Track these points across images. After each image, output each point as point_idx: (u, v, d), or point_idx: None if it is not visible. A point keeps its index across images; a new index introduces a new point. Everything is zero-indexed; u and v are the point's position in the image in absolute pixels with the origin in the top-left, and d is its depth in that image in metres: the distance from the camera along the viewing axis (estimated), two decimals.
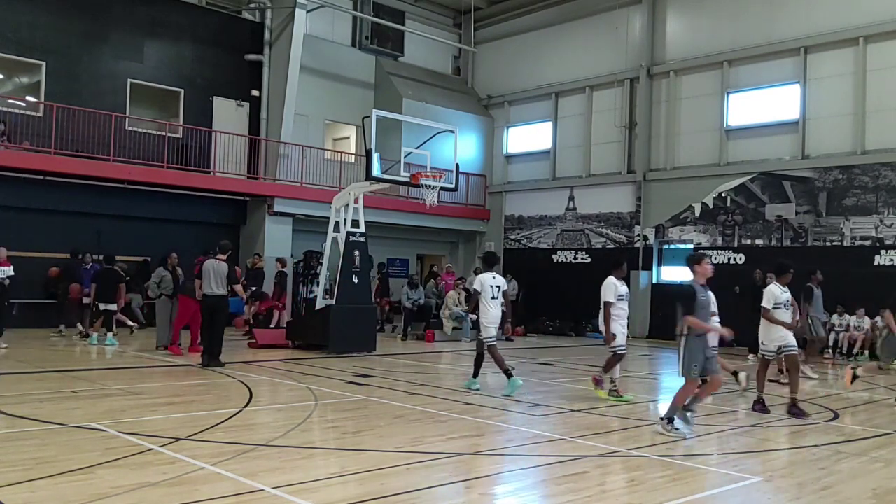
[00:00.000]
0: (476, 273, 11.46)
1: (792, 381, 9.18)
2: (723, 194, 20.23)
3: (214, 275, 12.16)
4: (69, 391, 9.25)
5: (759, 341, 9.49)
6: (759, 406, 9.19)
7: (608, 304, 9.74)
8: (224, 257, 12.42)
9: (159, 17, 20.29)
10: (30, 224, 17.30)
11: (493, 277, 10.41)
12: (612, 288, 9.80)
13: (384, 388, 10.39)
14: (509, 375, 10.05)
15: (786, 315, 9.28)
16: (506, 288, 10.55)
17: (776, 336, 9.19)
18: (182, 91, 20.58)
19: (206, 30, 21.19)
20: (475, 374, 10.51)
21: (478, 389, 10.34)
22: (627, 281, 10.29)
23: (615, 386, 9.96)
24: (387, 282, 21.08)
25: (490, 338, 10.23)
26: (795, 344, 9.39)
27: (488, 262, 10.74)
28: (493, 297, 10.24)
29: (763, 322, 9.33)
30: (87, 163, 17.70)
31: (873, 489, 5.92)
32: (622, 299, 9.85)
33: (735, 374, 10.84)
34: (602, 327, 9.96)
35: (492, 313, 10.24)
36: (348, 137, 24.44)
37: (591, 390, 9.99)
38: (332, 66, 23.18)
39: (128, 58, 19.66)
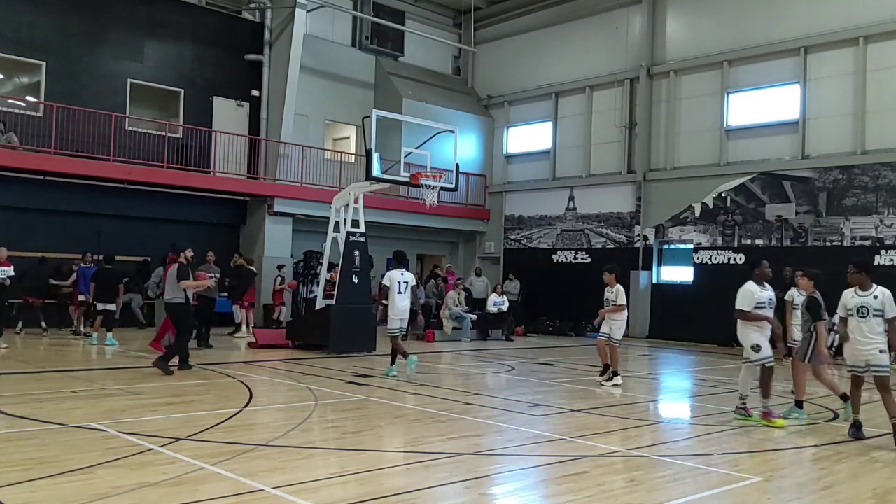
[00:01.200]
0: (430, 273, 12.54)
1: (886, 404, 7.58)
2: (723, 194, 20.22)
3: (168, 279, 11.59)
4: (69, 391, 9.25)
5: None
6: (854, 430, 7.73)
7: (741, 313, 8.33)
8: (181, 259, 11.88)
9: (159, 17, 20.28)
10: (30, 224, 17.30)
11: (402, 274, 11.61)
12: (749, 295, 8.38)
13: (384, 388, 10.39)
14: (402, 357, 11.39)
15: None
16: (413, 284, 11.93)
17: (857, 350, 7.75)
18: (182, 91, 20.57)
19: (206, 30, 21.18)
20: (392, 362, 11.58)
21: (395, 376, 11.30)
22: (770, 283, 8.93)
23: (744, 404, 8.57)
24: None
25: (395, 329, 11.51)
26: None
27: (398, 260, 11.91)
28: (399, 292, 11.45)
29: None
30: (87, 163, 17.70)
31: (873, 489, 5.92)
32: (762, 307, 8.41)
33: (609, 369, 11.26)
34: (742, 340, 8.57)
35: (398, 307, 11.47)
36: (348, 137, 24.44)
37: (763, 426, 8.20)
38: (332, 66, 23.17)
39: (128, 58, 19.66)
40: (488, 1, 25.97)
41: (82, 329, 16.18)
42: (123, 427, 7.12)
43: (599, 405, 9.49)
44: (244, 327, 17.28)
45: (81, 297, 15.99)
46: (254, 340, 15.62)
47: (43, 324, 16.32)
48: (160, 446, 6.41)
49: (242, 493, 5.16)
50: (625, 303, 11.32)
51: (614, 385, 11.05)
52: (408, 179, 15.57)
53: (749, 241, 19.76)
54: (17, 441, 6.57)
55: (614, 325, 11.31)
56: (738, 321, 8.48)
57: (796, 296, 10.78)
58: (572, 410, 9.01)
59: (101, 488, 5.15)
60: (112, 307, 15.05)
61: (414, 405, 9.02)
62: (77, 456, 6.01)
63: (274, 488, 5.28)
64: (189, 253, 12.14)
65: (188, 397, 9.48)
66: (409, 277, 11.78)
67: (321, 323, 14.85)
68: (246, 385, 10.20)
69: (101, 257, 16.15)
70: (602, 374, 11.39)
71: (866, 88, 17.96)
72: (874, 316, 7.48)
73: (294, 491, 5.25)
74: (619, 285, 11.35)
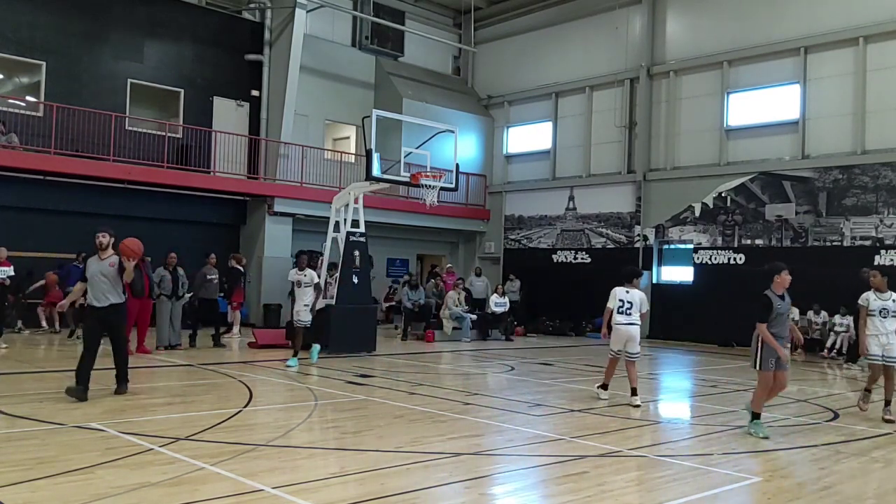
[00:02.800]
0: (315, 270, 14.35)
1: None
2: (723, 194, 20.22)
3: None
4: None
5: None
6: None
7: None
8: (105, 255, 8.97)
9: (159, 17, 20.29)
10: (30, 224, 17.30)
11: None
12: None
13: (384, 388, 10.40)
14: (310, 345, 12.91)
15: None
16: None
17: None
18: (182, 91, 20.57)
19: (206, 30, 21.18)
20: (295, 354, 12.55)
21: (291, 367, 12.08)
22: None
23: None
24: None
25: (303, 321, 12.84)
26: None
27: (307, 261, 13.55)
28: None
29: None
30: (87, 163, 17.70)
31: (873, 489, 5.92)
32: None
33: (604, 386, 10.00)
34: None
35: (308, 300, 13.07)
36: (348, 137, 24.44)
37: None
38: (332, 66, 23.18)
39: (128, 58, 19.66)
40: (488, 1, 25.97)
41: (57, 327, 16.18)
42: (123, 427, 7.12)
43: (599, 405, 9.49)
44: (235, 327, 17.36)
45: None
46: (230, 339, 15.74)
47: (20, 323, 16.33)
48: (160, 446, 6.41)
49: (242, 493, 5.15)
50: (609, 306, 9.92)
51: (600, 398, 9.87)
52: (408, 179, 15.58)
53: (749, 241, 19.77)
54: (17, 441, 6.56)
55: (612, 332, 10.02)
56: None
57: (872, 299, 9.19)
58: (572, 410, 9.01)
59: (101, 488, 5.15)
60: None
61: (414, 405, 9.02)
62: (77, 456, 6.01)
63: (274, 488, 5.28)
64: (103, 239, 8.94)
65: (188, 397, 9.48)
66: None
67: (321, 323, 14.83)
68: (246, 385, 10.20)
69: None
70: (632, 394, 9.61)
71: (866, 88, 17.96)
72: None
73: (294, 491, 5.25)
74: (614, 288, 10.05)
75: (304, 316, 12.85)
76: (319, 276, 16.64)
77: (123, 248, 8.91)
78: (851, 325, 16.60)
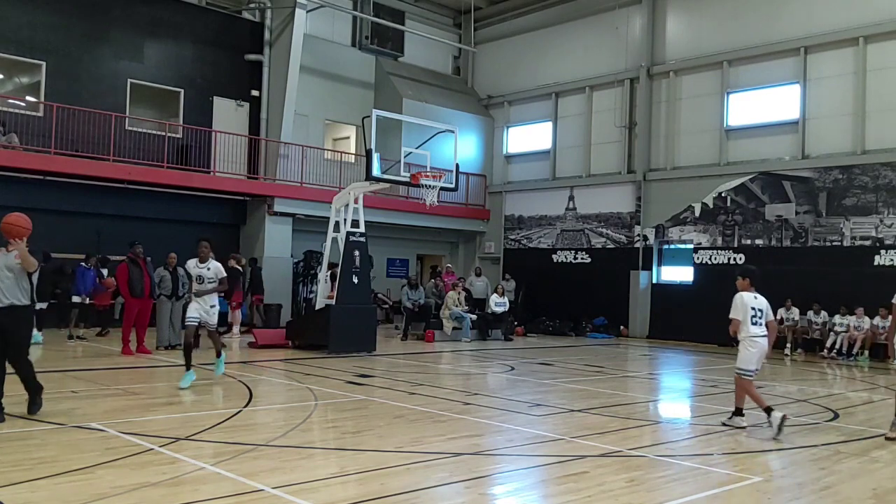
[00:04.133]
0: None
1: None
2: (723, 194, 20.22)
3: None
4: (69, 391, 9.24)
5: None
6: None
7: None
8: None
9: (159, 16, 20.28)
10: None
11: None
12: None
13: (384, 388, 10.40)
14: (219, 356, 10.52)
15: None
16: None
17: None
18: (182, 91, 20.57)
19: (206, 30, 21.18)
20: (188, 367, 10.06)
21: (185, 387, 9.72)
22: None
23: None
24: (259, 277, 18.84)
25: (212, 324, 10.59)
26: None
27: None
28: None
29: None
30: (87, 163, 17.69)
31: (873, 489, 5.92)
32: None
33: (768, 410, 7.84)
34: None
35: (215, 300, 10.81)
36: (348, 137, 24.45)
37: None
38: (332, 66, 23.18)
39: (128, 58, 19.66)
40: (488, 1, 25.97)
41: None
42: (123, 427, 7.12)
43: (599, 405, 9.49)
44: (235, 327, 17.42)
45: (76, 299, 15.96)
46: (230, 339, 15.78)
47: None
48: (160, 446, 6.41)
49: (242, 493, 5.16)
50: (736, 317, 7.98)
51: (737, 427, 8.06)
52: (408, 179, 15.59)
53: (749, 241, 19.77)
54: (17, 441, 6.56)
55: (740, 348, 8.12)
56: None
57: None
58: (572, 410, 9.00)
59: (101, 488, 5.15)
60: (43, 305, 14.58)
61: (414, 405, 9.02)
62: (77, 456, 6.01)
63: (274, 488, 5.28)
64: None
65: (188, 397, 9.47)
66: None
67: (321, 323, 14.85)
68: (246, 385, 10.20)
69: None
70: (733, 415, 8.24)
71: (866, 88, 17.96)
72: None
73: (294, 491, 5.25)
74: (739, 293, 8.09)
75: (212, 318, 10.53)
76: (318, 276, 16.70)
77: (6, 227, 7.66)
78: (852, 324, 16.69)
